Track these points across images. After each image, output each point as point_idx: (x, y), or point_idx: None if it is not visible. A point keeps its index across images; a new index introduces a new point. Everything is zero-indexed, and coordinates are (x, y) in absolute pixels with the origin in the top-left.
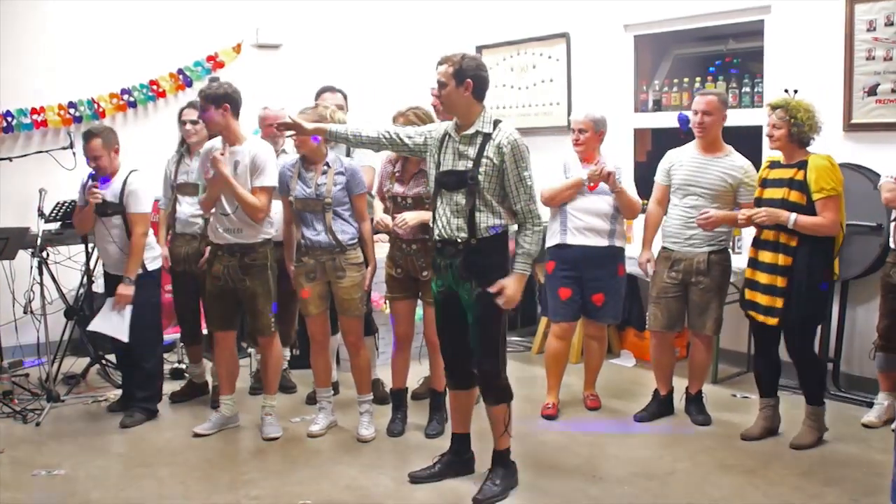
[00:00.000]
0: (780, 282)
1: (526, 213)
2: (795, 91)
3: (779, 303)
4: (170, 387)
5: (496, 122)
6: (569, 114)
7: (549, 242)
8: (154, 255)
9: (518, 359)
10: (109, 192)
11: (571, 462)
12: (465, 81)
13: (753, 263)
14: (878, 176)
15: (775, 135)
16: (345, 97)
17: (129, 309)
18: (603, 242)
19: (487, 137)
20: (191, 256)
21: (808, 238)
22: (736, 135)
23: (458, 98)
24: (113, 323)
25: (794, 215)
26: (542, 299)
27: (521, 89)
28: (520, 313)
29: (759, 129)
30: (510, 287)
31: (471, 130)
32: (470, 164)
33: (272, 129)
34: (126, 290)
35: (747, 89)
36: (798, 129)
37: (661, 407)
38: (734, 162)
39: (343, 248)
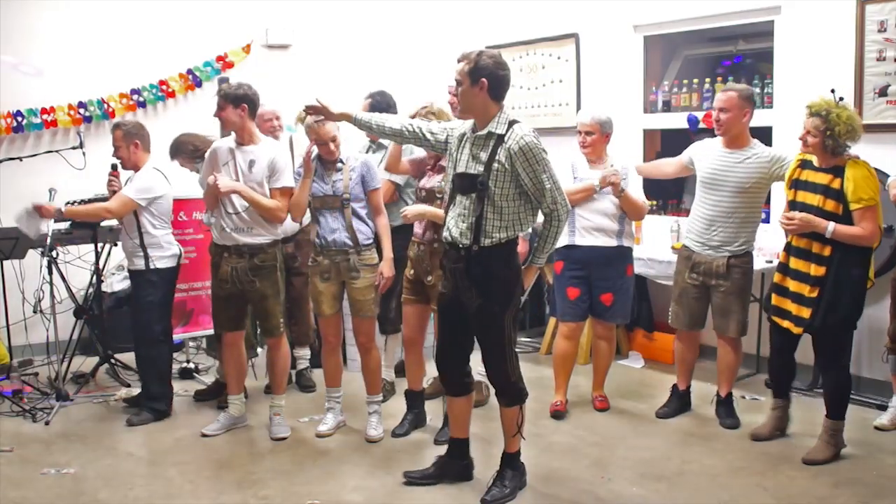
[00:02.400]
0: (808, 291)
1: (552, 207)
2: (841, 98)
3: (805, 313)
4: (178, 386)
5: (511, 123)
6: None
7: (558, 243)
8: (165, 254)
9: (527, 359)
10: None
11: (580, 463)
12: (480, 80)
13: (784, 269)
14: (889, 177)
15: (809, 141)
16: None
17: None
18: (612, 242)
19: (500, 140)
20: None
21: (842, 247)
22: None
23: (474, 97)
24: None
25: (832, 225)
26: (550, 300)
27: (530, 90)
28: (528, 314)
29: (769, 129)
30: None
31: (484, 131)
32: (481, 168)
33: (269, 125)
34: (49, 206)
35: (757, 90)
36: (833, 141)
37: (680, 402)
38: (760, 155)
39: (359, 247)
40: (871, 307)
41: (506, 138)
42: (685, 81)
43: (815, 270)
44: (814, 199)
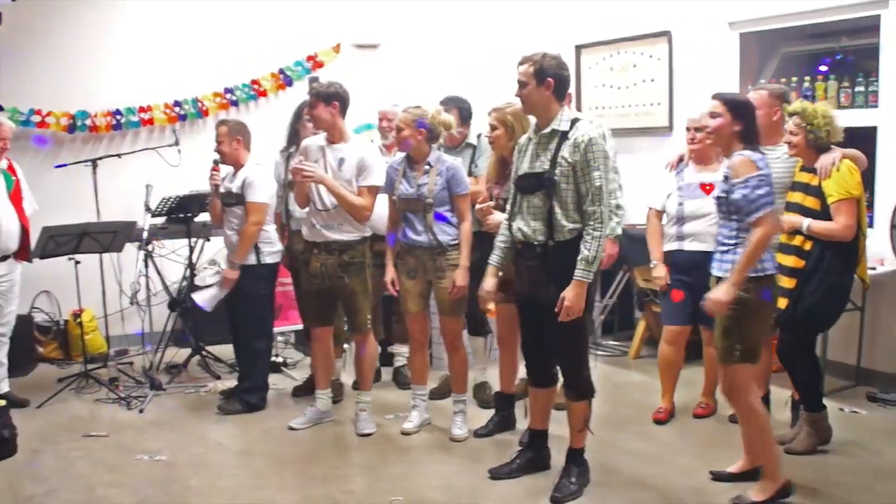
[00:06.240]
0: (786, 283)
1: (589, 215)
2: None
3: (782, 303)
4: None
5: (574, 121)
6: (670, 114)
7: (665, 247)
8: (273, 249)
9: (614, 363)
10: (234, 185)
11: (669, 470)
12: (546, 80)
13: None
14: None
15: (793, 141)
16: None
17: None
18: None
19: (564, 136)
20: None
21: (822, 243)
22: (849, 136)
23: (539, 97)
24: (205, 295)
25: (807, 221)
26: (639, 303)
27: (620, 89)
28: (617, 317)
29: (873, 130)
30: (569, 297)
31: (548, 129)
32: (547, 165)
33: (381, 125)
34: (231, 273)
35: (861, 88)
36: (815, 135)
37: None
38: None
39: (444, 248)
40: None
41: (569, 135)
42: (783, 80)
43: (795, 263)
44: (798, 197)
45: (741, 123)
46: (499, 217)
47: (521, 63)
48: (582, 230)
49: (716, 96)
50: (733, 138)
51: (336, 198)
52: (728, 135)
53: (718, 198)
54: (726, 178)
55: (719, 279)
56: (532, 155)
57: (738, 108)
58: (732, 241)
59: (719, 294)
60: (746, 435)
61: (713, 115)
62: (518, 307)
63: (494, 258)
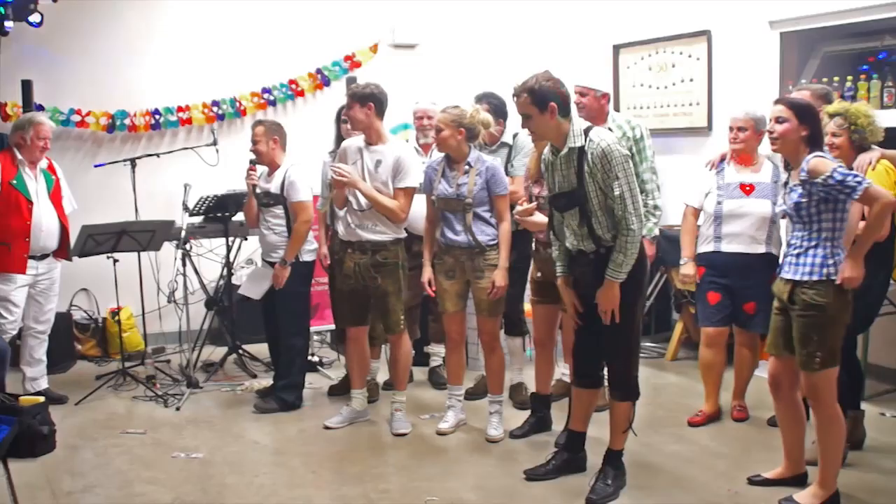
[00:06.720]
0: None
1: (618, 221)
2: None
3: None
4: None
5: (587, 131)
6: (709, 115)
7: (702, 248)
8: (310, 247)
9: (651, 365)
10: (272, 185)
11: (707, 474)
12: (549, 105)
13: None
14: None
15: (836, 142)
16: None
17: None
18: (759, 249)
19: (582, 152)
20: None
21: None
22: (893, 138)
23: (546, 124)
24: (251, 286)
25: None
26: (677, 305)
27: (659, 89)
28: (654, 319)
29: None
30: (599, 295)
31: (565, 150)
32: (575, 183)
33: (422, 122)
34: (282, 271)
35: None
36: (859, 135)
37: None
38: None
39: (482, 248)
40: None
41: (586, 148)
42: (824, 80)
43: None
44: None
45: (808, 127)
46: (539, 218)
47: (515, 95)
48: None
49: (779, 101)
50: (800, 143)
51: (370, 201)
52: (795, 140)
53: (797, 203)
54: (803, 183)
55: (796, 283)
56: (560, 174)
57: (804, 111)
58: (812, 243)
59: (848, 272)
60: (789, 441)
61: (779, 120)
62: (573, 310)
63: (560, 268)
